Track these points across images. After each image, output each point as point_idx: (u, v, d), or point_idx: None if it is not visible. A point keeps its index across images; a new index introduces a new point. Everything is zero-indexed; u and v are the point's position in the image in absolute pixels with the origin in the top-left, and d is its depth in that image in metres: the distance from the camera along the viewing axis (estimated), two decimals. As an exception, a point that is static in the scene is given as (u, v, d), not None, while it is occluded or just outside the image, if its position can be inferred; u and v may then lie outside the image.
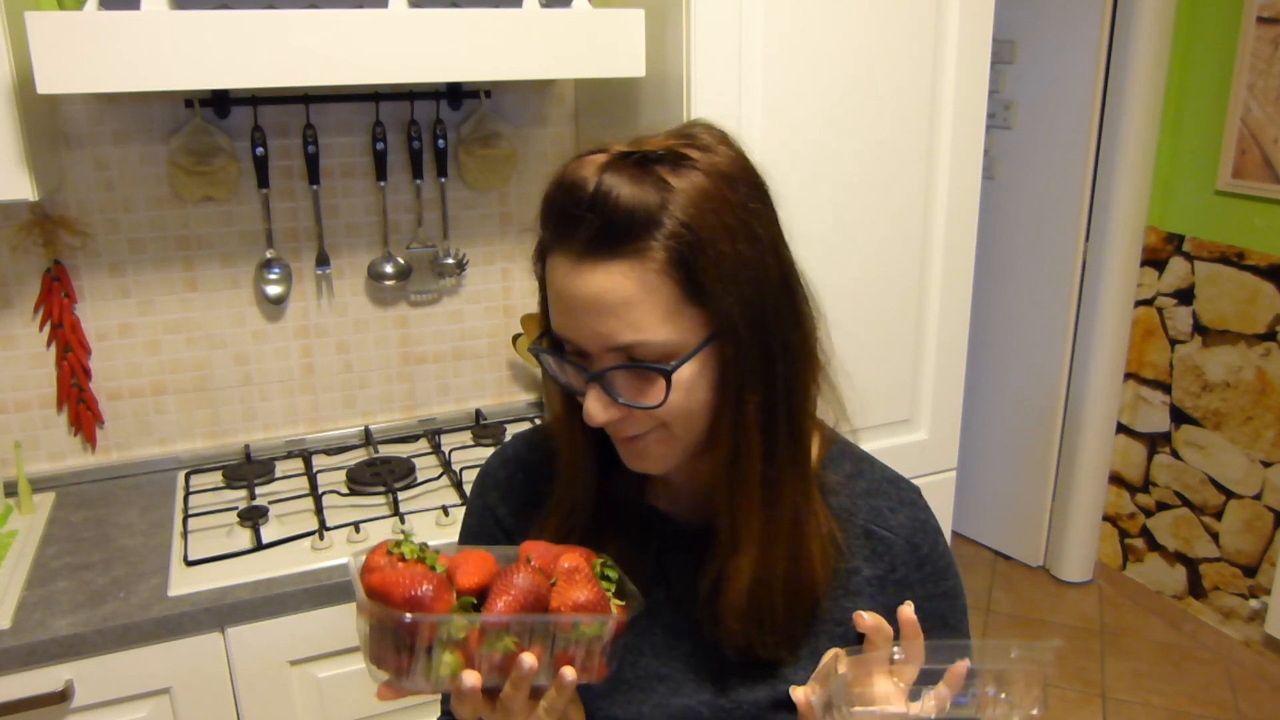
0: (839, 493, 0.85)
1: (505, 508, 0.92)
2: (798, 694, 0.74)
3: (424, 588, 0.67)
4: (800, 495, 0.79)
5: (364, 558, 0.73)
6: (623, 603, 0.74)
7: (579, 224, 0.69)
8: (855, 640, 0.82)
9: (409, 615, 0.66)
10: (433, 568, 0.70)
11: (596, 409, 0.73)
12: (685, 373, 0.72)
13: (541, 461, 0.91)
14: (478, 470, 0.98)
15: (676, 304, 0.70)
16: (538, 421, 1.97)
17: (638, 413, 0.74)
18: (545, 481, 0.88)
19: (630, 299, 0.69)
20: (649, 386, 0.72)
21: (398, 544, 0.72)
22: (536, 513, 0.89)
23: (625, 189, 0.68)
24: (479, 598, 0.70)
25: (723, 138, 0.75)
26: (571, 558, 0.74)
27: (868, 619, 0.71)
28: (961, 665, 0.72)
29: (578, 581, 0.72)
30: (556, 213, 0.71)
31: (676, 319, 0.71)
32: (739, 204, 0.72)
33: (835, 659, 0.76)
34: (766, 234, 0.74)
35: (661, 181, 0.69)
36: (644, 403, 0.73)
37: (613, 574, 0.75)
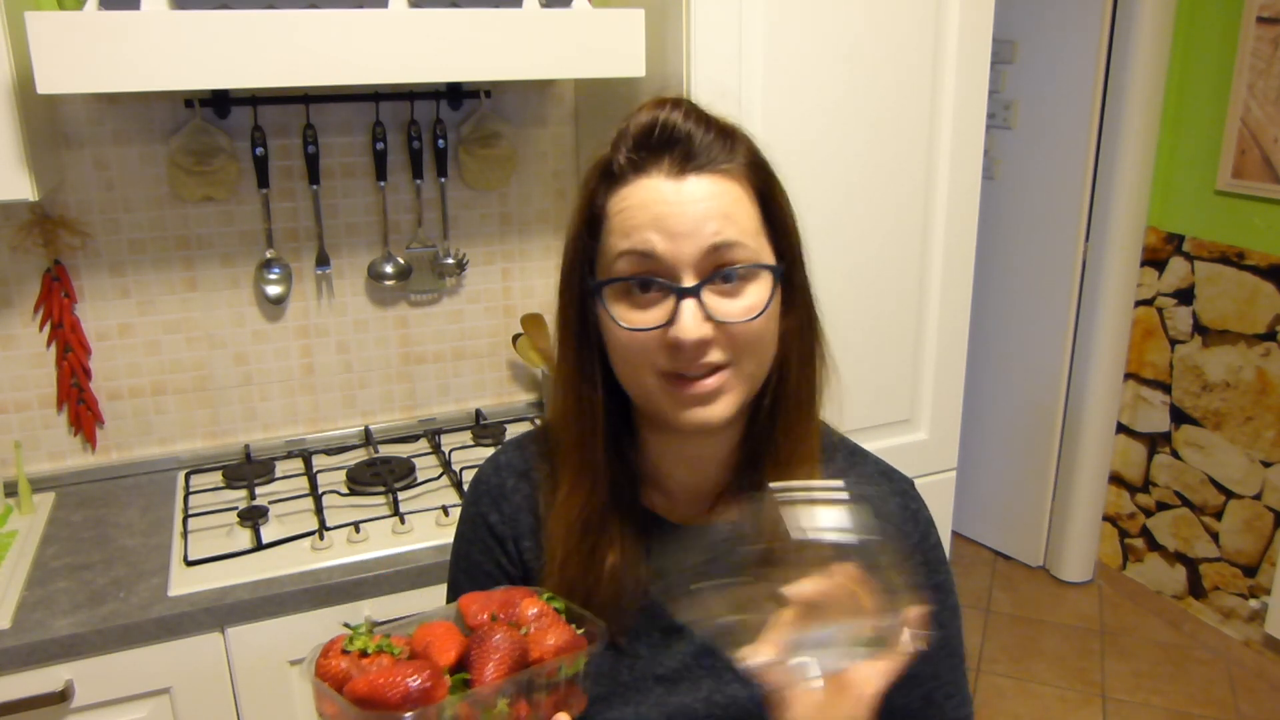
0: (831, 474, 0.86)
1: (496, 514, 0.92)
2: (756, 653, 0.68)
3: (416, 681, 0.63)
4: (817, 435, 0.85)
5: (315, 664, 0.68)
6: (582, 630, 0.73)
7: (675, 145, 0.75)
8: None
9: (408, 715, 0.62)
10: (394, 654, 0.67)
11: (694, 324, 0.73)
12: (770, 290, 0.76)
13: (533, 467, 0.91)
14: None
15: (760, 221, 0.77)
16: (538, 422, 1.97)
17: (719, 337, 0.75)
18: (536, 486, 0.89)
19: (735, 199, 0.75)
20: (740, 300, 0.75)
21: (351, 639, 0.68)
22: (526, 518, 0.89)
23: (712, 120, 0.77)
24: (461, 668, 0.68)
25: None
26: (530, 602, 0.73)
27: (801, 590, 0.65)
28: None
29: (547, 626, 0.71)
30: (651, 138, 0.75)
31: (761, 235, 0.77)
32: (774, 169, 0.80)
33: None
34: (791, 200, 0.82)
35: (727, 124, 0.78)
36: (740, 317, 0.75)
37: (560, 605, 0.75)
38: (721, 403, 0.77)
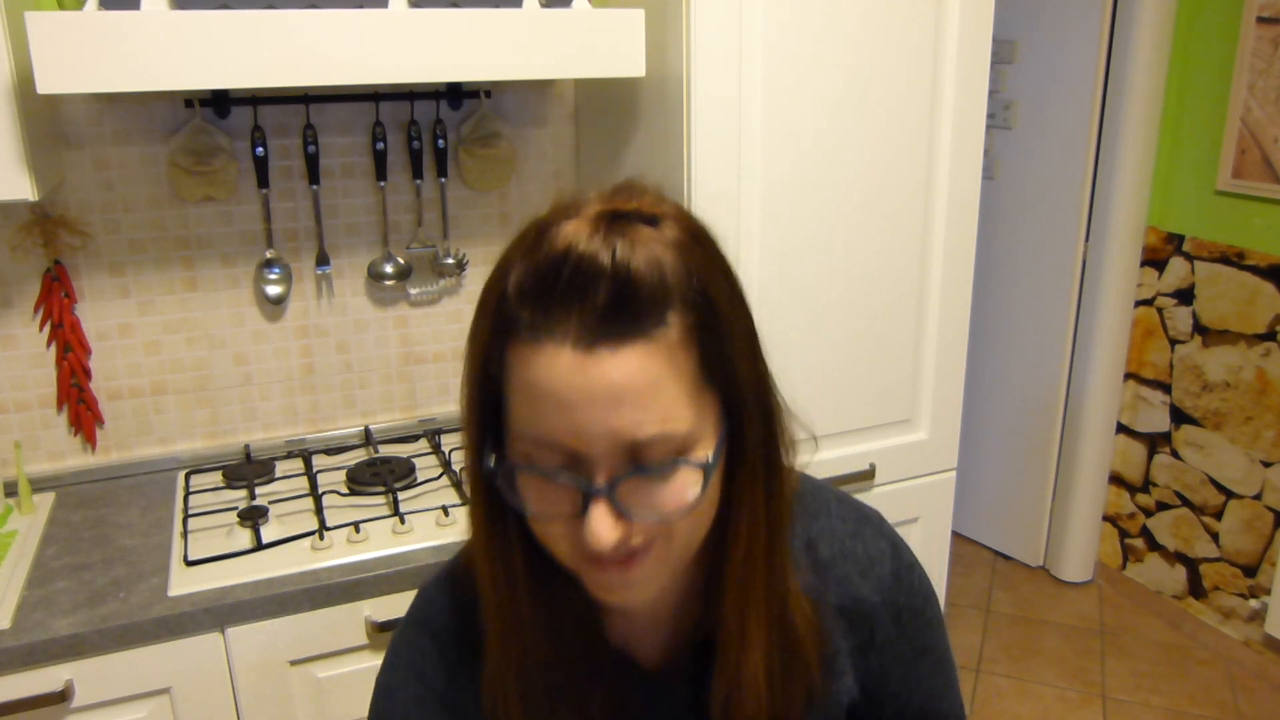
0: (802, 569, 0.74)
1: (443, 682, 0.77)
2: None
3: None
4: (787, 572, 0.71)
5: None
6: None
7: (589, 299, 0.57)
8: None
9: None
10: None
11: (605, 529, 0.59)
12: (703, 481, 0.62)
13: (472, 622, 0.73)
14: (394, 642, 0.80)
15: (696, 385, 0.61)
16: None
17: (644, 525, 0.62)
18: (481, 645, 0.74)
19: (657, 381, 0.58)
20: (666, 490, 0.61)
21: None
22: (475, 680, 0.74)
23: (639, 254, 0.58)
24: None
25: (660, 193, 0.66)
26: None
27: None
28: None
29: None
30: (559, 289, 0.58)
31: (697, 402, 0.61)
32: (724, 264, 0.65)
33: None
34: (744, 292, 0.66)
35: (658, 242, 0.60)
36: (666, 511, 0.61)
37: None
38: (646, 586, 0.66)
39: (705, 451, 0.62)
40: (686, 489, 0.61)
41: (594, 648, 0.73)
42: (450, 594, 0.78)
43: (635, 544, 0.62)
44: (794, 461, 0.71)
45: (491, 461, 0.64)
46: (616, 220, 0.60)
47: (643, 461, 0.60)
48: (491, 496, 0.66)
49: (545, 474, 0.61)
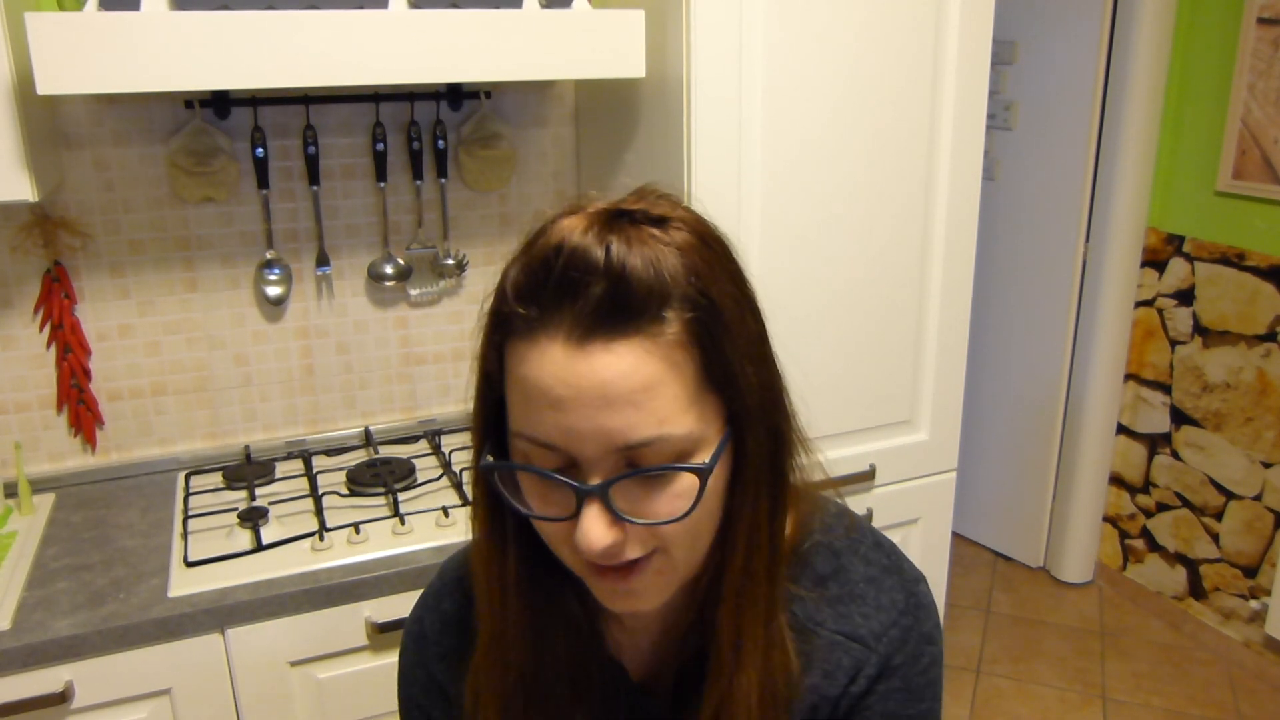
0: (804, 599, 0.71)
1: (443, 668, 0.79)
2: None
3: None
4: (782, 595, 0.69)
5: None
6: None
7: (581, 294, 0.57)
8: None
9: None
10: None
11: (598, 532, 0.58)
12: (700, 487, 0.60)
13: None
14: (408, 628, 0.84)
15: (697, 388, 0.59)
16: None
17: (639, 533, 0.61)
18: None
19: (652, 382, 0.57)
20: (662, 496, 0.60)
21: None
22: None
23: (636, 251, 0.57)
24: None
25: (676, 200, 0.65)
26: None
27: None
28: None
29: None
30: (551, 283, 0.57)
31: (698, 406, 0.60)
32: (733, 268, 0.64)
33: None
34: (756, 299, 0.65)
35: (661, 242, 0.59)
36: (660, 516, 0.60)
37: None
38: (651, 594, 0.65)
39: (704, 457, 0.60)
40: (683, 495, 0.60)
41: (584, 657, 0.72)
42: (461, 585, 0.79)
43: (632, 554, 0.62)
44: (804, 477, 0.70)
45: (489, 459, 0.64)
46: (617, 218, 0.60)
47: (638, 464, 0.59)
48: (492, 496, 0.66)
49: (542, 474, 0.60)
